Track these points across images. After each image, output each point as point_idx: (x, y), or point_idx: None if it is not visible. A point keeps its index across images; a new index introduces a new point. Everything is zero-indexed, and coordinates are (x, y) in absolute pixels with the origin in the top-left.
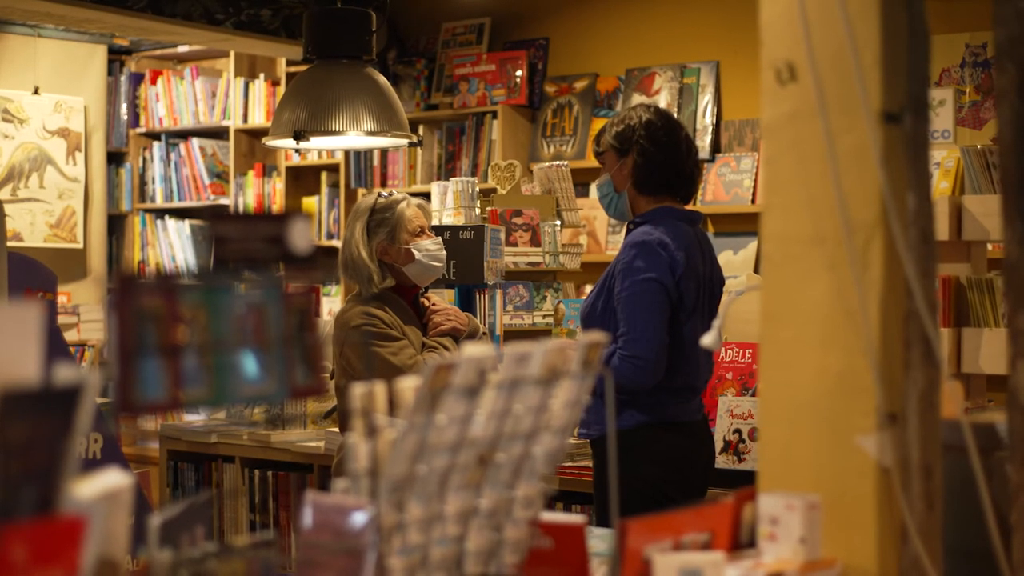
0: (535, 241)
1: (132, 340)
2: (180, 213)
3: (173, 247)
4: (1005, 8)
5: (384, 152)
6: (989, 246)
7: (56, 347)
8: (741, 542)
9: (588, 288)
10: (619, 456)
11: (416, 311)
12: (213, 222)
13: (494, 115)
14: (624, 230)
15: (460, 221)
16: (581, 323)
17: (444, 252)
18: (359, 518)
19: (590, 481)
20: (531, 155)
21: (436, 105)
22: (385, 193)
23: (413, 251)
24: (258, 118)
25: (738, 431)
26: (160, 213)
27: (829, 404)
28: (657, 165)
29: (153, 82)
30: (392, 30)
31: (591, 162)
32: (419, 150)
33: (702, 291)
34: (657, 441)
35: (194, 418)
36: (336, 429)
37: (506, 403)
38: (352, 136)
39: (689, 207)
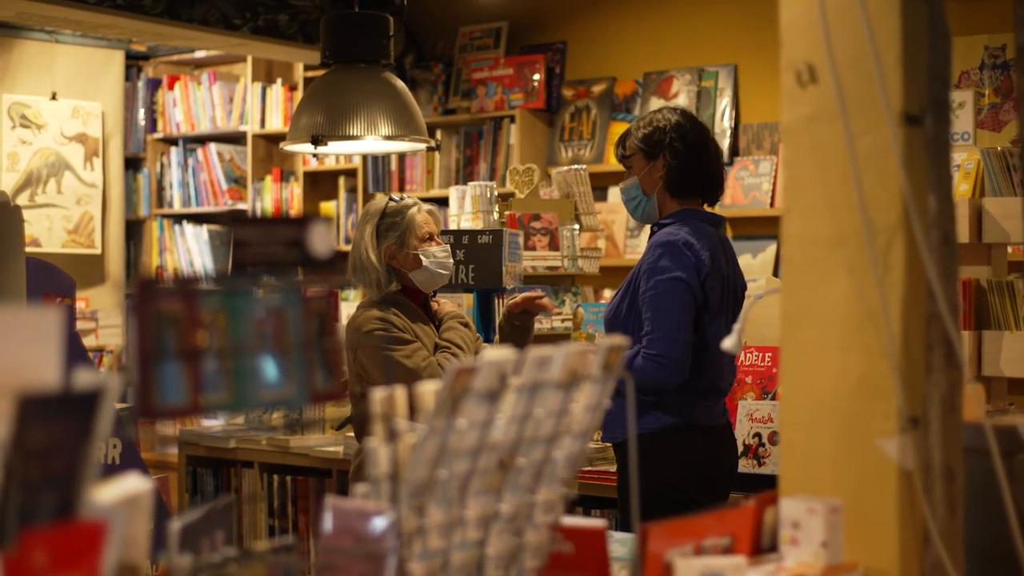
0: (553, 245)
1: (152, 345)
2: (198, 218)
3: (191, 252)
4: None
5: (402, 157)
6: (1009, 248)
7: (75, 352)
8: (762, 546)
9: (607, 292)
10: (645, 458)
11: (427, 313)
12: (233, 226)
13: (512, 119)
14: (645, 232)
15: (478, 225)
16: (605, 326)
17: (451, 260)
18: (379, 523)
19: (610, 485)
20: (549, 159)
21: (454, 109)
22: (396, 197)
23: (421, 257)
24: (275, 123)
25: (758, 435)
26: (178, 218)
27: (850, 407)
28: (690, 167)
29: (170, 87)
30: (409, 35)
31: (609, 166)
32: (437, 155)
33: (726, 292)
34: (683, 444)
35: (213, 423)
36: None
37: (527, 407)
38: (370, 141)
39: (711, 210)
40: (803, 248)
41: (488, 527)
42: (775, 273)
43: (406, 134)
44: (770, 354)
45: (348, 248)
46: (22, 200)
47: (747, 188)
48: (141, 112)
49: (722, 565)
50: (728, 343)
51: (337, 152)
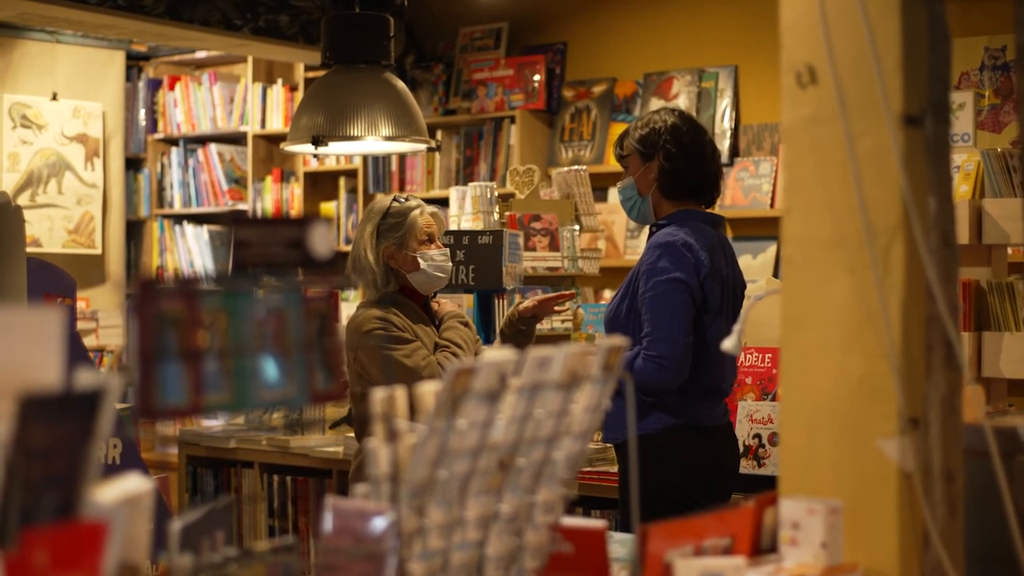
0: (554, 246)
1: (152, 345)
2: (198, 219)
3: (191, 252)
4: None
5: (402, 157)
6: (1009, 250)
7: (75, 352)
8: (762, 547)
9: (607, 293)
10: (647, 459)
11: (427, 313)
12: (234, 226)
13: (512, 120)
14: (645, 233)
15: (479, 226)
16: (605, 328)
17: (450, 263)
18: (379, 523)
19: (610, 486)
20: (549, 160)
21: (454, 110)
22: (401, 198)
23: (419, 260)
24: (276, 123)
25: (758, 436)
26: (178, 219)
27: (850, 408)
28: (683, 170)
29: (171, 88)
30: (410, 35)
31: (609, 167)
32: (437, 155)
33: (726, 293)
34: (685, 444)
35: (213, 423)
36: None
37: (527, 408)
38: (370, 141)
39: (710, 210)
40: (803, 249)
41: (488, 527)
42: (775, 274)
43: (406, 135)
44: (770, 355)
45: (347, 248)
46: (23, 200)
47: (747, 189)
48: (142, 112)
49: (722, 566)
50: (728, 344)
51: (337, 153)
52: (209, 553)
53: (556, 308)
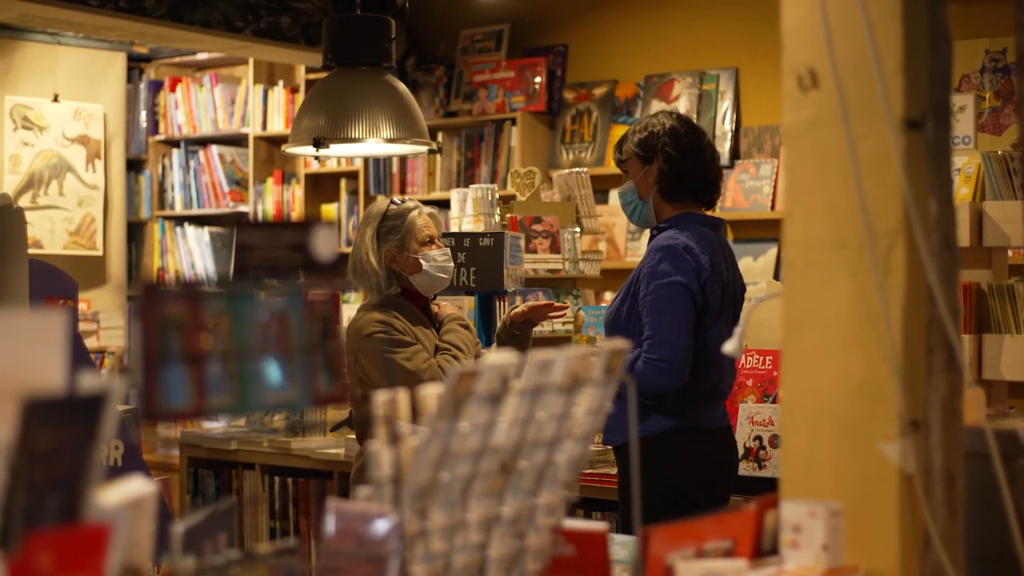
0: (555, 248)
1: (156, 348)
2: (199, 220)
3: (192, 254)
4: None
5: (403, 159)
6: (1010, 252)
7: (77, 354)
8: (763, 549)
9: (608, 295)
10: (646, 462)
11: (427, 316)
12: (236, 229)
13: (513, 122)
14: (646, 235)
15: (480, 228)
16: (605, 330)
17: (452, 264)
18: (382, 525)
19: (611, 488)
20: (550, 162)
21: (455, 112)
22: (397, 200)
23: (421, 261)
24: (277, 125)
25: (759, 438)
26: (179, 220)
27: (851, 411)
28: (683, 172)
29: (172, 89)
30: (411, 37)
31: (610, 169)
32: (438, 157)
33: (726, 296)
34: (684, 446)
35: (214, 425)
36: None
37: (529, 410)
38: (371, 143)
39: (710, 213)
40: (804, 252)
41: (490, 530)
42: (776, 276)
43: (407, 137)
44: (771, 357)
45: (348, 251)
46: (24, 202)
47: (748, 191)
48: (143, 114)
49: (723, 568)
50: (729, 347)
51: (338, 155)
52: (211, 555)
53: (552, 315)
